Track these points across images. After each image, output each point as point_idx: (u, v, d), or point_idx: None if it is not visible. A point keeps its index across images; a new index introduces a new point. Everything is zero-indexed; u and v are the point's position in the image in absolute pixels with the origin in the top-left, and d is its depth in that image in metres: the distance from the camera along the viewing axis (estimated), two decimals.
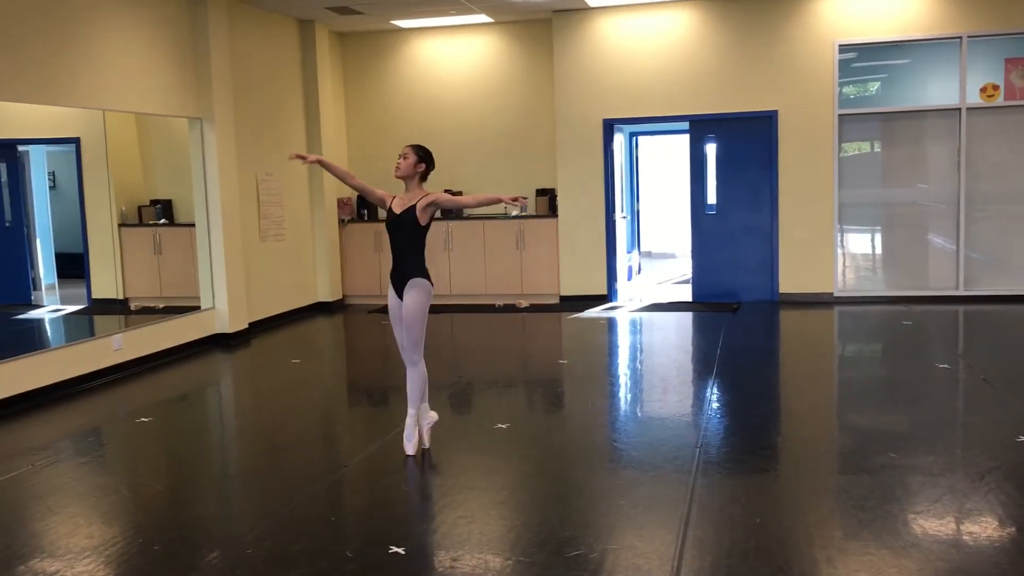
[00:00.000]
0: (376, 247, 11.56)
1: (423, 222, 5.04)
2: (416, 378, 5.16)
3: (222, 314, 9.09)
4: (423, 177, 5.15)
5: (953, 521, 4.11)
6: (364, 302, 11.55)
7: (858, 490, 4.58)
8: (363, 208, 11.74)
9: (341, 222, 11.58)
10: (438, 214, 5.90)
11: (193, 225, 9.24)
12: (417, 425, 5.24)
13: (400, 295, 5.09)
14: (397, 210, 5.09)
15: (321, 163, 5.34)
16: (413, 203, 5.04)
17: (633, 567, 3.70)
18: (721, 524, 4.15)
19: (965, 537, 3.95)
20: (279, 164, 10.40)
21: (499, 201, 5.10)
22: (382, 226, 11.77)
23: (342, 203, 11.59)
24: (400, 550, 3.92)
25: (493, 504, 4.58)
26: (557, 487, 4.82)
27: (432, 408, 5.36)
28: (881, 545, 3.84)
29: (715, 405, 6.31)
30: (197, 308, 9.01)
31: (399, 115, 11.70)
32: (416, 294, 5.04)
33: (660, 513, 4.30)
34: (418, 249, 5.11)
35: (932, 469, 4.76)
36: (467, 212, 11.50)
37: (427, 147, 5.17)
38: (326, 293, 11.27)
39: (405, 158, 5.07)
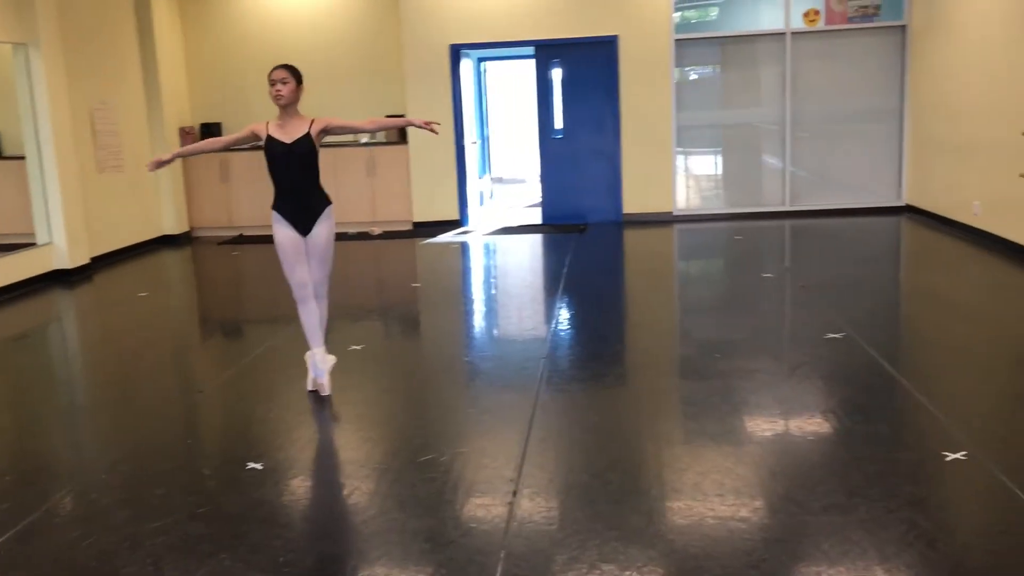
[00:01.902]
0: (222, 177, 11.31)
1: (317, 147, 4.82)
2: (322, 311, 5.00)
3: (60, 249, 8.76)
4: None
5: (766, 409, 4.56)
6: (212, 234, 11.32)
7: (687, 389, 5.03)
8: (207, 137, 11.41)
9: None
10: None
11: (23, 157, 8.79)
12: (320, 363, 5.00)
13: (302, 229, 4.83)
14: (286, 139, 4.74)
15: (181, 155, 5.13)
16: (305, 130, 4.76)
17: (481, 466, 3.97)
18: (562, 426, 4.48)
19: (777, 423, 4.40)
20: (113, 91, 9.97)
21: (409, 124, 4.97)
22: (229, 156, 11.50)
23: (184, 132, 11.23)
24: (257, 466, 4.05)
25: (348, 419, 4.76)
26: (410, 401, 5.04)
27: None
28: (703, 434, 4.26)
29: (562, 320, 6.65)
30: (31, 245, 8.65)
31: (242, 41, 11.35)
32: (330, 224, 4.88)
33: (507, 419, 4.58)
34: (317, 177, 4.88)
35: (751, 366, 5.23)
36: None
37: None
38: (172, 225, 10.98)
39: (285, 83, 4.68)
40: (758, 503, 3.49)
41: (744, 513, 3.40)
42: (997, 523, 3.35)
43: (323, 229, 4.87)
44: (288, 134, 4.77)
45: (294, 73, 4.75)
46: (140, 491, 3.88)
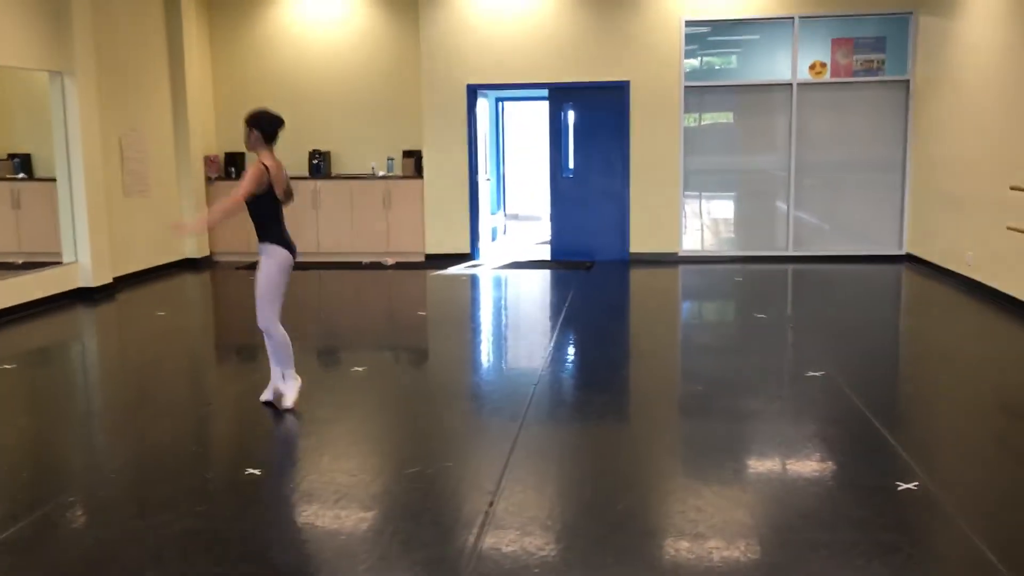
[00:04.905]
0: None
1: (252, 191, 4.97)
2: (269, 344, 5.28)
3: (85, 268, 9.15)
4: (267, 140, 5.07)
5: (738, 440, 4.81)
6: (232, 259, 11.70)
7: (665, 418, 5.28)
8: (231, 166, 11.85)
9: (208, 179, 11.68)
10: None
11: (53, 180, 9.21)
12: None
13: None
14: None
15: (210, 224, 5.31)
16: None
17: (464, 480, 4.25)
18: (543, 445, 4.74)
19: (746, 453, 4.64)
20: (143, 119, 10.43)
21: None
22: None
23: (209, 160, 11.68)
24: (256, 471, 4.35)
25: (344, 433, 5.05)
26: (403, 418, 5.33)
27: (294, 355, 5.43)
28: (674, 460, 4.51)
29: (557, 351, 6.92)
30: (57, 263, 9.04)
31: (267, 74, 11.83)
32: (264, 262, 5.15)
33: (493, 438, 4.86)
34: (258, 219, 5.11)
35: (731, 400, 5.47)
36: (335, 171, 11.81)
37: (260, 111, 5.10)
38: (193, 250, 11.37)
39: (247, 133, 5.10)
40: (714, 521, 3.73)
41: (701, 529, 3.65)
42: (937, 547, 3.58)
43: (260, 263, 5.19)
44: None
45: (247, 122, 5.06)
46: (145, 490, 4.19)
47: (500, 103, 14.71)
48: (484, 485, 4.14)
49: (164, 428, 5.11)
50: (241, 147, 11.87)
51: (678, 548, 3.50)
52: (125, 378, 6.52)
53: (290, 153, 11.44)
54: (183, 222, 4.82)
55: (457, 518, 3.81)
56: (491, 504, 3.90)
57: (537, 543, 3.55)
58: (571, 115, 11.40)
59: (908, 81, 10.71)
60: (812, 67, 10.85)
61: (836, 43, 10.85)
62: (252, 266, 5.28)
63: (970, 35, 8.96)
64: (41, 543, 3.63)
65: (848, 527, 3.62)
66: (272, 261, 5.14)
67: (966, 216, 9.05)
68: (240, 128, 5.23)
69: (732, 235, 11.57)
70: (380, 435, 5.09)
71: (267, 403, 5.35)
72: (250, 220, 5.18)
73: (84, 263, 9.15)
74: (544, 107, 11.72)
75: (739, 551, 3.46)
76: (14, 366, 6.65)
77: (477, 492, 4.06)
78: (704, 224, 11.65)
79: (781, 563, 3.36)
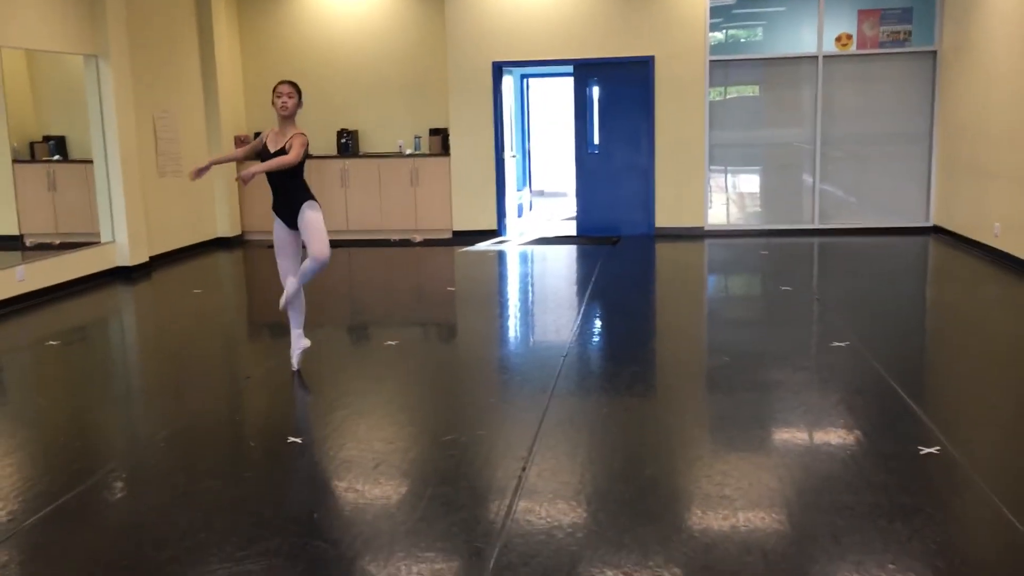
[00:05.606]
0: None
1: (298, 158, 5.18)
2: (300, 298, 5.64)
3: (122, 247, 9.38)
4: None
5: (764, 408, 4.93)
6: (263, 237, 11.90)
7: (691, 387, 5.40)
8: None
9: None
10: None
11: (88, 161, 9.42)
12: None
13: (291, 224, 5.37)
14: (272, 147, 5.24)
15: (216, 163, 5.64)
16: (288, 140, 5.20)
17: (497, 448, 4.40)
18: (572, 415, 4.89)
19: (771, 419, 4.76)
20: (175, 101, 10.61)
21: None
22: None
23: (239, 140, 11.85)
24: (298, 440, 4.52)
25: (379, 404, 5.22)
26: (436, 389, 5.49)
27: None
28: (700, 427, 4.63)
29: (584, 324, 7.05)
30: (94, 243, 9.26)
31: (295, 54, 11.96)
32: (310, 213, 5.29)
33: (523, 408, 5.00)
34: (298, 181, 5.29)
35: (756, 370, 5.59)
36: (363, 150, 11.95)
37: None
38: (225, 228, 11.59)
39: (290, 96, 5.22)
40: (739, 485, 3.86)
41: (727, 492, 3.78)
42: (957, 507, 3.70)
43: (306, 216, 5.29)
44: (276, 143, 5.28)
45: (297, 90, 5.30)
46: (194, 458, 4.38)
47: (525, 80, 14.76)
48: (516, 452, 4.29)
49: (207, 400, 5.30)
50: (270, 126, 12.07)
51: (705, 510, 3.63)
52: (166, 353, 6.72)
53: (318, 132, 11.63)
54: (246, 172, 4.99)
55: (491, 483, 3.96)
56: (524, 470, 4.05)
57: (569, 506, 3.69)
58: (596, 91, 11.46)
59: (935, 52, 10.66)
60: (838, 39, 10.82)
61: (862, 14, 10.81)
62: None
63: (997, 4, 8.92)
64: (96, 508, 3.82)
65: (871, 490, 3.74)
66: (319, 213, 5.34)
67: (993, 187, 9.05)
68: (270, 106, 5.32)
69: (758, 209, 11.61)
70: (414, 405, 5.25)
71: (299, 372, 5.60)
72: (279, 188, 5.34)
73: (121, 243, 9.37)
74: (569, 83, 11.77)
75: (764, 512, 3.59)
76: (58, 343, 6.87)
77: (510, 459, 4.21)
78: (730, 198, 11.70)
79: (805, 523, 3.48)
